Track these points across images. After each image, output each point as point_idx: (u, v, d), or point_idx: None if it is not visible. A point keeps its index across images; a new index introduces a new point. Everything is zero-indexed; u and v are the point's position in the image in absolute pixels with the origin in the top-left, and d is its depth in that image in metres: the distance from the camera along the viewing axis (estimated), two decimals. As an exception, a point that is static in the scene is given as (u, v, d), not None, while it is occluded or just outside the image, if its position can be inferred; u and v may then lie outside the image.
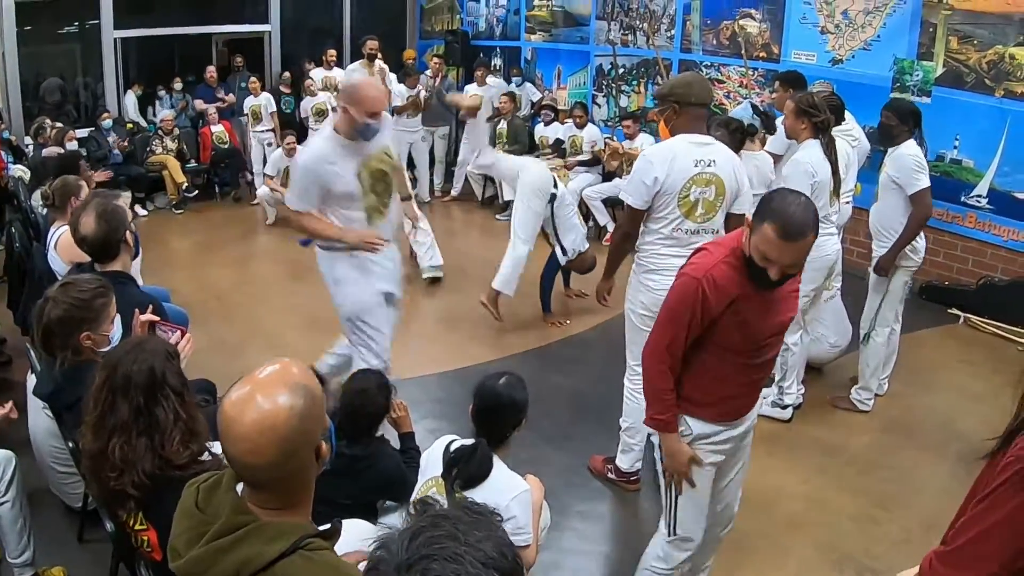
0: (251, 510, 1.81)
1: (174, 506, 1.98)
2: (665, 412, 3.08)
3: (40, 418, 3.96)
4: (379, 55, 10.33)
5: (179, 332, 3.42)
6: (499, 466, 3.08)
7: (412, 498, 3.17)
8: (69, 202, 5.08)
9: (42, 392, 3.37)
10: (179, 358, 2.79)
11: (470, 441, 3.11)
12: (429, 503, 1.49)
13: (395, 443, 3.85)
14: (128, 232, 3.84)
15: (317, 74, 11.66)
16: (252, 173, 11.36)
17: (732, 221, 4.21)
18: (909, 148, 5.28)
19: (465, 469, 3.03)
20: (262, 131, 11.17)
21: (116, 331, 3.31)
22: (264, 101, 11.19)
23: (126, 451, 2.53)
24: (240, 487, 1.86)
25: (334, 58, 11.89)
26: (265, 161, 10.62)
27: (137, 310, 3.37)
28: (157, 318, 3.41)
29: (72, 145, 8.98)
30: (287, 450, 1.75)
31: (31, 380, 4.03)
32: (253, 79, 11.43)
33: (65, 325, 3.13)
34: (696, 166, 4.07)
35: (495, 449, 3.10)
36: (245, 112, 11.23)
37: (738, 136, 5.18)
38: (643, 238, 4.27)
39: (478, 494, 2.93)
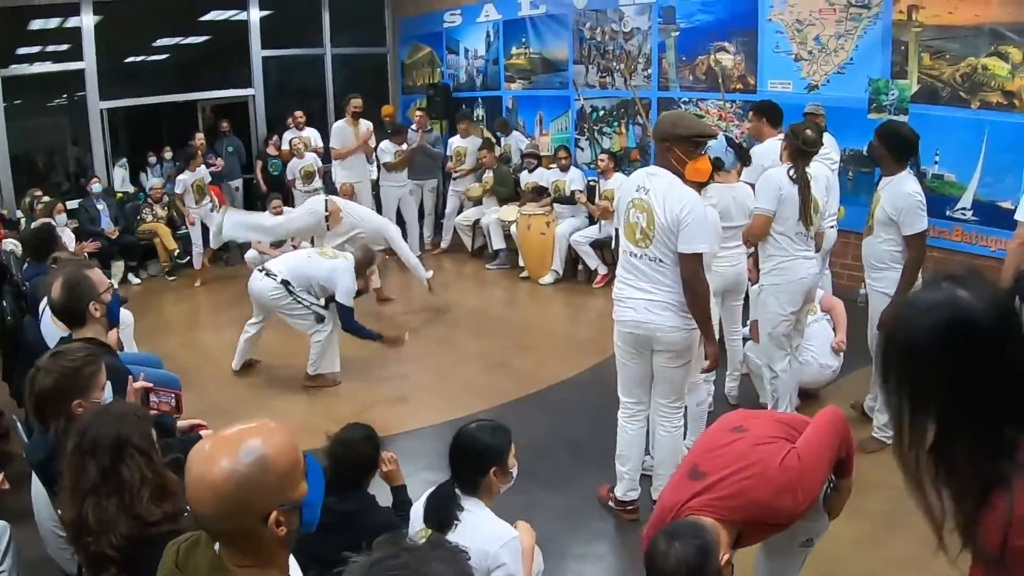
0: (228, 568, 1.83)
1: (156, 567, 1.99)
2: None
3: (41, 486, 3.96)
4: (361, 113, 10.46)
5: (174, 396, 3.47)
6: (486, 514, 3.08)
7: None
8: None
9: (35, 459, 3.38)
10: (148, 421, 2.81)
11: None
12: (400, 536, 1.50)
13: (388, 498, 3.85)
14: (95, 303, 3.85)
15: (287, 136, 11.69)
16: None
17: (681, 262, 4.19)
18: (910, 186, 5.00)
19: (432, 515, 3.03)
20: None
21: (107, 397, 3.33)
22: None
23: (99, 513, 2.56)
24: (218, 546, 1.87)
25: (303, 119, 11.87)
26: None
27: (131, 378, 3.41)
28: (150, 384, 3.44)
29: (61, 217, 9.04)
30: (222, 510, 1.76)
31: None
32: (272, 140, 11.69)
33: (56, 394, 3.15)
34: (637, 191, 4.27)
35: (473, 495, 3.10)
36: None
37: None
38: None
39: (466, 543, 2.90)
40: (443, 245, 11.70)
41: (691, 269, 4.20)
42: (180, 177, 10.57)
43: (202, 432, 3.65)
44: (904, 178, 5.05)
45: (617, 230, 4.48)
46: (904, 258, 5.01)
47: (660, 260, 4.23)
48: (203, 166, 10.86)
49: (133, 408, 2.86)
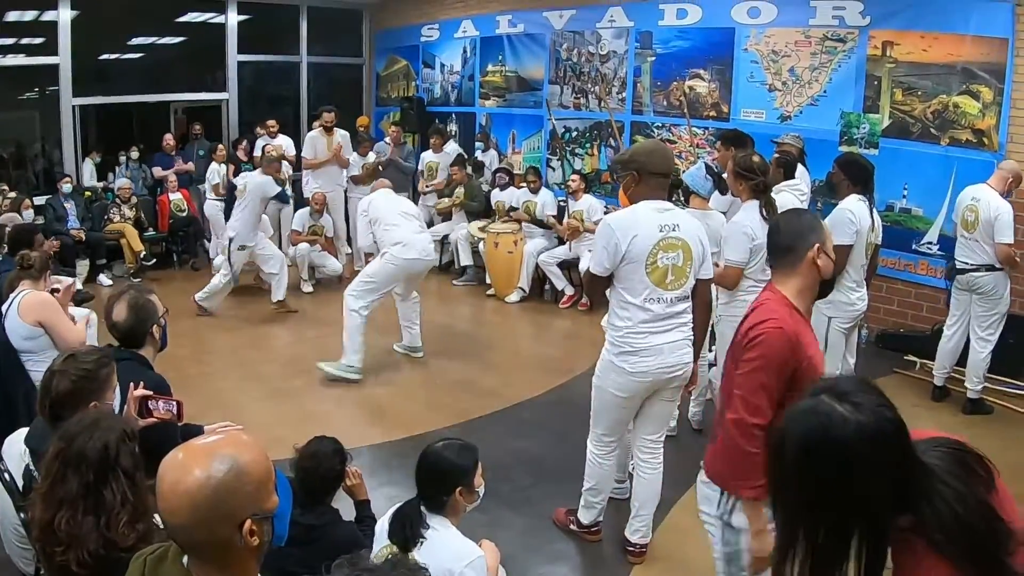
0: None
1: None
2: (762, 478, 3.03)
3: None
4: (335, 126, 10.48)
5: (175, 404, 3.45)
6: (451, 533, 3.08)
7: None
8: (45, 273, 5.18)
9: (33, 446, 3.32)
10: (135, 440, 2.78)
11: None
12: (359, 558, 1.49)
13: (351, 512, 3.84)
14: (156, 326, 3.88)
15: (259, 143, 11.60)
16: (208, 241, 11.38)
17: (699, 287, 4.24)
18: (848, 203, 5.45)
19: (398, 531, 3.04)
20: (215, 199, 11.17)
21: (117, 400, 3.35)
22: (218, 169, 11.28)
23: (72, 526, 2.51)
24: (186, 559, 1.85)
25: (275, 127, 11.70)
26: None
27: (132, 384, 3.39)
28: (150, 392, 3.42)
29: (28, 213, 8.94)
30: (198, 518, 1.75)
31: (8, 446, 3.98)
32: (221, 148, 11.53)
33: (74, 396, 3.13)
34: (661, 231, 4.05)
35: (439, 513, 3.10)
36: (207, 181, 11.28)
37: (676, 193, 5.27)
38: (616, 318, 4.20)
39: (431, 561, 2.90)
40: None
41: (708, 290, 4.36)
42: (212, 167, 11.27)
43: (160, 406, 3.62)
44: (848, 199, 5.47)
45: (600, 271, 4.15)
46: None
47: (686, 296, 4.19)
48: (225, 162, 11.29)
49: (123, 424, 2.80)
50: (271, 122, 11.73)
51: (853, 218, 5.40)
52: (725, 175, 5.59)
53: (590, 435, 4.56)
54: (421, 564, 1.50)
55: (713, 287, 5.46)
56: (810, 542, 1.79)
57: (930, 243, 7.73)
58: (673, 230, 4.07)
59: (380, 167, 10.97)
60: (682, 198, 5.70)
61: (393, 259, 6.95)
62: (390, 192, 7.55)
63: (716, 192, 5.77)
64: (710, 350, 5.98)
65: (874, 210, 5.61)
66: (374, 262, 7.15)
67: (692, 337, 4.27)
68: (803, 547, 1.80)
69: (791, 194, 6.01)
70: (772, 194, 5.25)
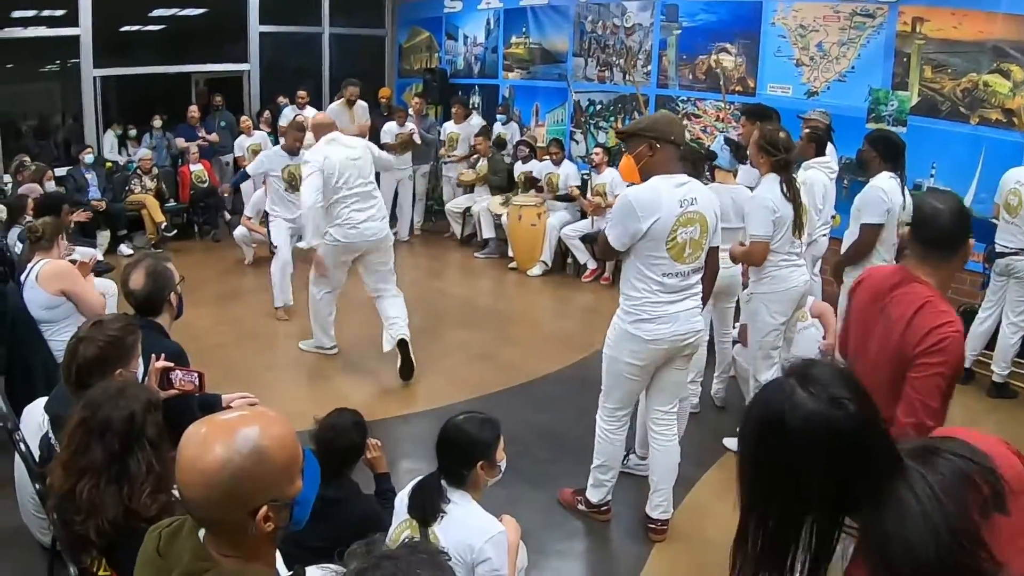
0: (212, 556, 1.77)
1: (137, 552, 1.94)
2: None
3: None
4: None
5: (196, 375, 3.43)
6: (472, 508, 3.04)
7: (387, 540, 3.12)
8: (57, 240, 5.15)
9: (54, 411, 3.32)
10: (160, 409, 2.75)
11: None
12: (375, 543, 1.45)
13: (370, 485, 3.81)
14: (173, 293, 3.88)
15: (288, 113, 11.54)
16: (230, 214, 11.39)
17: (710, 254, 4.22)
18: (880, 181, 5.38)
19: (418, 506, 3.01)
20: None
21: (141, 369, 3.34)
22: (261, 140, 11.23)
23: (93, 495, 2.50)
24: (202, 533, 1.81)
25: (305, 99, 11.66)
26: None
27: (153, 355, 3.38)
28: (172, 364, 3.41)
29: (50, 184, 8.93)
30: (212, 498, 1.70)
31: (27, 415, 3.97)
32: (245, 119, 11.49)
33: (100, 363, 3.12)
34: (681, 206, 4.02)
35: (459, 487, 3.07)
36: (241, 152, 11.25)
37: (701, 167, 5.18)
38: (631, 287, 4.18)
39: (451, 536, 2.89)
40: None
41: (717, 257, 4.38)
42: (237, 141, 11.39)
43: (182, 376, 3.62)
44: (880, 176, 5.40)
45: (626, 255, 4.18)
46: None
47: (701, 268, 4.20)
48: (258, 131, 11.30)
49: (149, 394, 2.79)
50: (302, 93, 11.67)
51: (885, 196, 5.31)
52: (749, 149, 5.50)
53: (600, 410, 4.54)
54: (441, 547, 1.45)
55: (737, 267, 5.43)
56: (762, 529, 1.75)
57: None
58: (692, 204, 4.05)
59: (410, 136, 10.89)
60: (707, 172, 5.62)
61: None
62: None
63: (746, 165, 5.70)
64: (734, 327, 5.92)
65: (905, 188, 5.52)
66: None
67: (699, 307, 4.28)
68: (755, 533, 1.76)
69: (821, 171, 5.94)
70: (802, 170, 5.17)
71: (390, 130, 10.91)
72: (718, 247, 4.32)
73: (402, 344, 6.53)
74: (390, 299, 6.71)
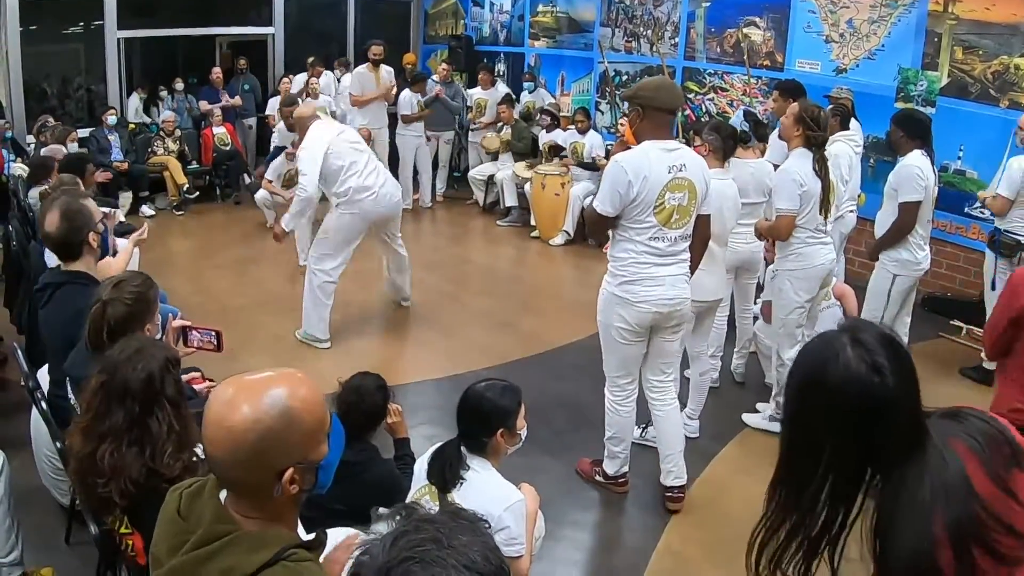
0: (234, 518, 1.76)
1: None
2: None
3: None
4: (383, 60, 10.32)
5: (214, 334, 3.42)
6: (492, 475, 3.05)
7: (405, 504, 3.13)
8: None
9: (75, 373, 3.31)
10: (178, 367, 2.75)
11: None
12: (414, 508, 1.44)
13: (390, 450, 3.83)
14: (93, 233, 3.78)
15: (299, 80, 11.41)
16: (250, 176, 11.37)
17: (699, 222, 4.23)
18: (914, 159, 5.31)
19: (437, 471, 3.01)
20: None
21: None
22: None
23: (115, 458, 2.49)
24: (223, 495, 1.81)
25: (380, 55, 10.80)
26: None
27: (171, 316, 3.37)
28: (189, 322, 3.40)
29: (73, 145, 8.95)
30: (238, 458, 1.69)
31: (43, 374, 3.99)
32: (286, 79, 11.45)
33: (130, 322, 3.12)
34: (669, 172, 4.03)
35: (479, 454, 3.07)
36: (272, 112, 11.09)
37: (730, 143, 5.12)
38: (619, 250, 4.21)
39: (470, 503, 2.88)
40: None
41: (707, 225, 4.34)
42: (271, 102, 11.31)
43: (196, 385, 3.61)
44: (913, 154, 5.34)
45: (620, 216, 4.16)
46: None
47: (689, 235, 4.19)
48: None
49: (167, 352, 2.76)
50: (376, 49, 10.84)
51: (921, 174, 5.25)
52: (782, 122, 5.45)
53: (606, 382, 4.56)
54: (480, 515, 1.44)
55: (759, 243, 5.41)
56: (794, 482, 1.77)
57: (983, 207, 7.52)
58: (681, 170, 4.06)
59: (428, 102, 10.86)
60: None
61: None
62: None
63: (776, 139, 5.64)
64: (755, 303, 5.90)
65: (934, 166, 5.47)
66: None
67: (687, 275, 4.28)
68: (786, 487, 1.79)
69: (846, 144, 5.88)
70: (828, 144, 5.11)
71: (407, 99, 10.84)
72: (708, 215, 4.32)
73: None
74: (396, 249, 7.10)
